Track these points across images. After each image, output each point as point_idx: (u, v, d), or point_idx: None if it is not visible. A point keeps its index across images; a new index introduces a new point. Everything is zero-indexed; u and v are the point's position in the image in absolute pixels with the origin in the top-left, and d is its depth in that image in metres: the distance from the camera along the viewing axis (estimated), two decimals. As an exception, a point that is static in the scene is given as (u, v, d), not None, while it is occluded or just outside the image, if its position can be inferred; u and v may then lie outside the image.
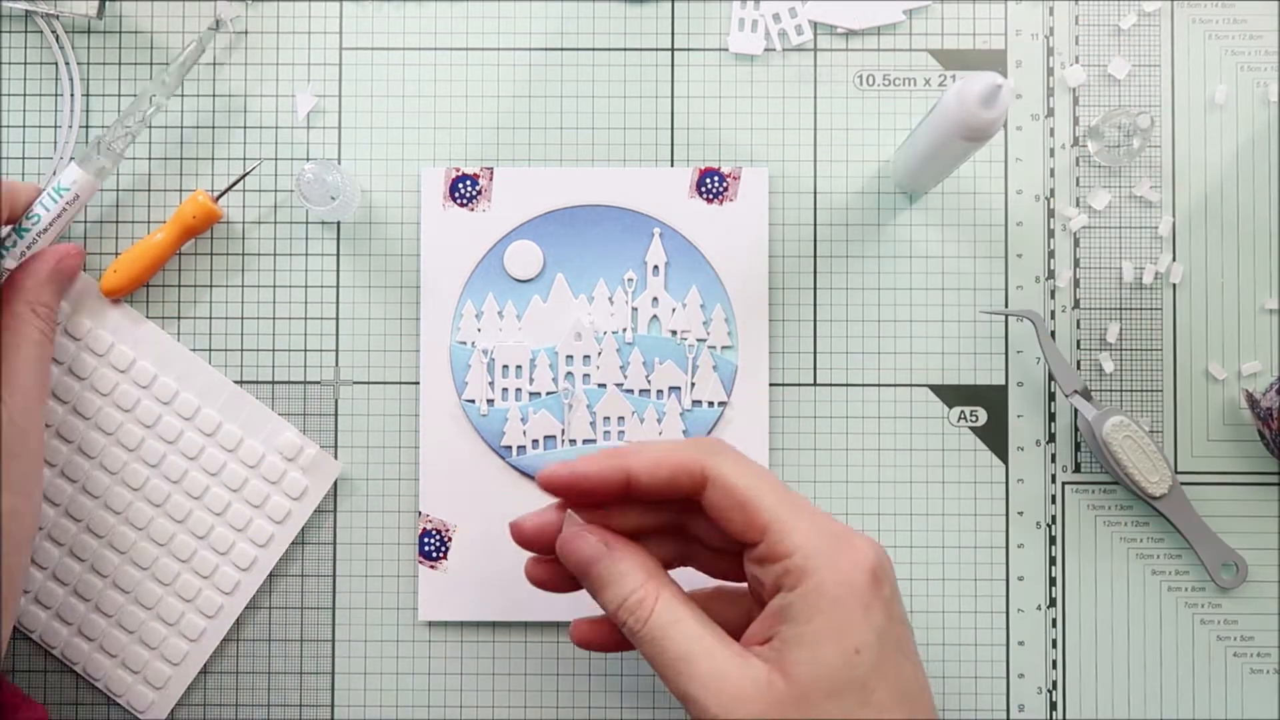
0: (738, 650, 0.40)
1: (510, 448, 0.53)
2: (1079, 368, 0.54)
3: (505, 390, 0.53)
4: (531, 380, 0.53)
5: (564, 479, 0.43)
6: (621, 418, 0.53)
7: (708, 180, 0.53)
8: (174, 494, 0.53)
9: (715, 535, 0.44)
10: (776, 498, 0.41)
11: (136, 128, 0.51)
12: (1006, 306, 0.54)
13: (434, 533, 0.53)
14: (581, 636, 0.46)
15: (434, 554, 0.53)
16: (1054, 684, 0.53)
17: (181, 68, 0.52)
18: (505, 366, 0.53)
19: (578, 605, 0.52)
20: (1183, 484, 0.54)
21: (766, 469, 0.43)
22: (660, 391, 0.53)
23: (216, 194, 0.52)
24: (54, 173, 0.53)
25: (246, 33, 0.54)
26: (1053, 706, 0.53)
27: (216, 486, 0.53)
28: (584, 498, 0.43)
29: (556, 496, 0.44)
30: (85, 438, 0.53)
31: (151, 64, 0.54)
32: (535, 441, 0.53)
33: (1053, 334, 0.54)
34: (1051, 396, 0.54)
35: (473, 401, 0.53)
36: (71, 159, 0.52)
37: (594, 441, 0.53)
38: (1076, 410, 0.52)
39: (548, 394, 0.52)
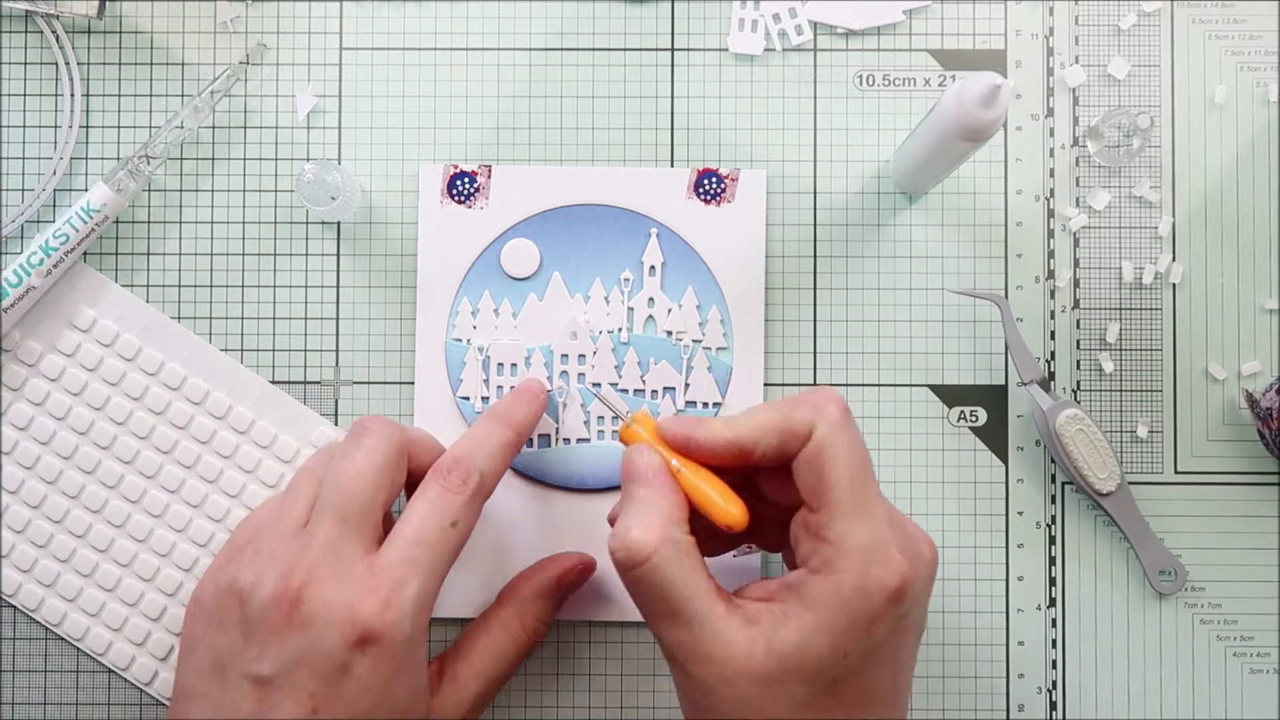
0: (724, 611, 0.40)
1: None
2: (1079, 368, 0.54)
3: (500, 388, 0.53)
4: (528, 379, 0.53)
5: (679, 441, 0.44)
6: (615, 418, 0.52)
7: (706, 181, 0.53)
8: (189, 479, 0.53)
9: (783, 493, 0.44)
10: (853, 483, 0.41)
11: (164, 152, 0.52)
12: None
13: None
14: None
15: None
16: (1054, 684, 0.53)
17: (213, 96, 0.52)
18: (500, 364, 0.53)
19: (573, 606, 0.53)
20: (1183, 484, 0.54)
21: (863, 450, 0.42)
22: (655, 392, 0.53)
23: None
24: (54, 173, 0.53)
25: (246, 33, 0.54)
26: (1053, 706, 0.53)
27: (231, 469, 0.53)
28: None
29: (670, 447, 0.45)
30: (95, 427, 0.53)
31: (151, 64, 0.54)
32: (529, 440, 0.52)
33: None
34: (1051, 396, 0.54)
35: (467, 399, 0.53)
36: (100, 178, 0.52)
37: (587, 440, 0.53)
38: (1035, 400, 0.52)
39: None
